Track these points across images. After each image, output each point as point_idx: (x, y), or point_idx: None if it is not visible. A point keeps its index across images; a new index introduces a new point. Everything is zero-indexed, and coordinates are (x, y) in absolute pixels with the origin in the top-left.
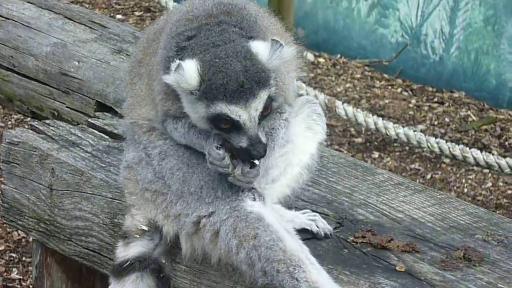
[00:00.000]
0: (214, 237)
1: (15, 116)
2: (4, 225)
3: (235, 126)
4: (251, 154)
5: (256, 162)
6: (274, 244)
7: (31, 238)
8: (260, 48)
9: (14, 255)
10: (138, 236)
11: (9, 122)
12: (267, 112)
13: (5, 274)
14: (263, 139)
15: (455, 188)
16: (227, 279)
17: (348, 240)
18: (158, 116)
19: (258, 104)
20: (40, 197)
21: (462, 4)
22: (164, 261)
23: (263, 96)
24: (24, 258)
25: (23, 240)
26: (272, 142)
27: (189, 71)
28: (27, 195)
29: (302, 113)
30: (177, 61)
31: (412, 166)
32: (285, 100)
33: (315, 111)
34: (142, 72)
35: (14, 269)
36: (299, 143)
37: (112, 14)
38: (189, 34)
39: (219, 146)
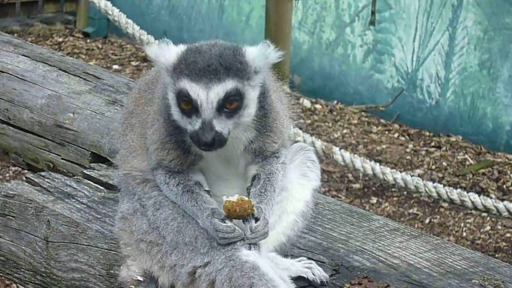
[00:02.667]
0: (210, 287)
1: (12, 168)
2: (2, 277)
3: (194, 108)
4: (199, 138)
5: (257, 214)
6: None
7: None
8: (251, 50)
9: None
10: (133, 287)
11: (7, 174)
12: (234, 107)
13: None
14: (218, 129)
15: (453, 232)
16: None
17: (345, 287)
18: (150, 164)
19: (220, 89)
20: (36, 249)
21: (457, 48)
22: None
23: (228, 84)
24: None
25: None
26: (271, 186)
27: (171, 48)
28: (23, 247)
29: (296, 160)
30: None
31: (411, 211)
32: (283, 143)
33: (309, 158)
34: (134, 122)
35: None
36: (294, 190)
37: (109, 65)
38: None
39: (223, 218)
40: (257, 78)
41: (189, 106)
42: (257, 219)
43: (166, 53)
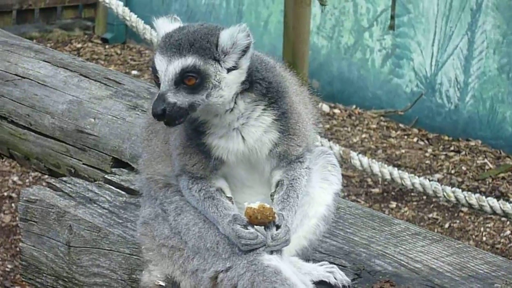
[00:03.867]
0: None
1: (32, 174)
2: (23, 282)
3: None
4: (152, 109)
5: (278, 222)
6: None
7: None
8: (230, 29)
9: None
10: None
11: (27, 180)
12: (191, 83)
13: None
14: (171, 101)
15: (473, 237)
16: None
17: None
18: (174, 171)
19: (177, 64)
20: (58, 254)
21: (476, 52)
22: None
23: (188, 59)
24: None
25: None
26: (295, 192)
27: (171, 24)
28: (45, 252)
29: (316, 164)
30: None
31: (430, 215)
32: (307, 147)
33: (330, 161)
34: (158, 128)
35: None
36: (315, 194)
37: (127, 70)
38: None
39: (245, 225)
40: (228, 60)
41: (157, 79)
42: (278, 227)
43: (165, 27)
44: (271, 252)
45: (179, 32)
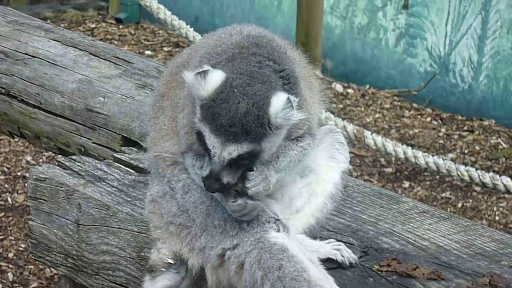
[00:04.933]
0: (239, 269)
1: (46, 154)
2: (37, 262)
3: (209, 153)
4: (205, 184)
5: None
6: (299, 275)
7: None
8: (277, 102)
9: None
10: (164, 269)
11: (40, 160)
12: (246, 163)
13: None
14: (224, 181)
15: (486, 216)
16: None
17: (373, 269)
18: (181, 148)
19: (234, 151)
20: (68, 232)
21: (490, 32)
22: None
23: (244, 147)
24: None
25: (55, 276)
26: (276, 154)
27: (209, 82)
28: (54, 230)
29: (324, 143)
30: (208, 68)
31: (443, 195)
32: (309, 130)
33: (338, 140)
34: (165, 105)
35: None
36: (322, 172)
37: (141, 50)
38: (221, 64)
39: (234, 198)
40: (280, 131)
41: (204, 146)
42: (251, 170)
43: (202, 87)
44: (278, 230)
45: (227, 111)
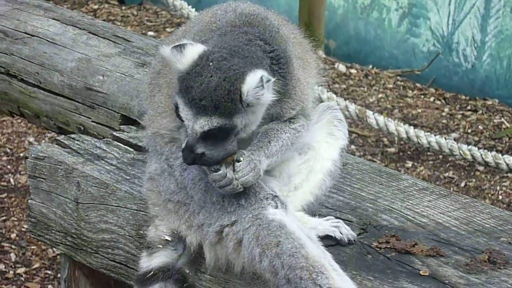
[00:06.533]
0: (237, 246)
1: (48, 135)
2: (39, 242)
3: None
4: (183, 156)
5: (237, 157)
6: (297, 252)
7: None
8: (251, 80)
9: (49, 272)
10: (161, 246)
11: (43, 141)
12: (220, 138)
13: None
14: (199, 151)
15: (489, 195)
16: (251, 287)
17: (372, 245)
18: (176, 123)
19: (205, 125)
20: (67, 211)
21: (493, 11)
22: (188, 271)
23: (214, 122)
24: (59, 275)
25: (57, 257)
26: (267, 137)
27: (185, 56)
28: (53, 209)
29: (323, 120)
30: (186, 42)
31: (446, 174)
32: (302, 110)
33: (336, 117)
34: (162, 83)
35: (49, 286)
36: (321, 149)
37: (144, 31)
38: (211, 40)
39: (216, 169)
40: (253, 109)
41: (181, 119)
42: (238, 161)
43: (179, 60)
44: (276, 206)
45: (199, 84)
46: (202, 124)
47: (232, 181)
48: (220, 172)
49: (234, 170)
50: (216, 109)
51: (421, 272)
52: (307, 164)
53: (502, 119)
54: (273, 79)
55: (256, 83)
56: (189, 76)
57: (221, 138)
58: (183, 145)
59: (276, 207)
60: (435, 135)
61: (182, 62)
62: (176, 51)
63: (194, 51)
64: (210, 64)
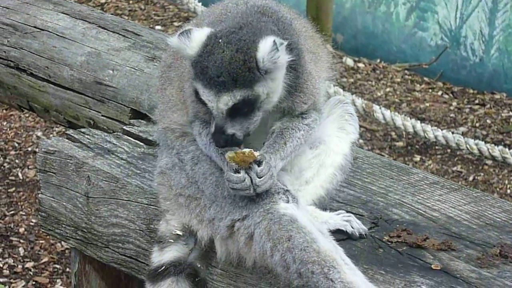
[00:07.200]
0: (249, 240)
1: (56, 129)
2: (48, 236)
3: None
4: (214, 140)
5: (258, 158)
6: (308, 246)
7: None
8: (264, 46)
9: (58, 266)
10: (172, 241)
11: (51, 135)
12: (247, 111)
13: (49, 285)
14: (230, 132)
15: (498, 189)
16: (263, 281)
17: (383, 239)
18: (189, 117)
19: (228, 100)
20: (77, 205)
21: (501, 5)
22: (199, 265)
23: (237, 95)
24: (67, 269)
25: (66, 251)
26: (282, 139)
27: (193, 40)
28: (64, 203)
29: (333, 114)
30: (190, 27)
31: (454, 168)
32: (314, 105)
33: (347, 111)
34: (173, 76)
35: (58, 280)
36: (332, 143)
37: (151, 25)
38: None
39: (236, 170)
40: (272, 74)
41: (205, 105)
42: (260, 163)
43: (187, 46)
44: (287, 201)
45: (214, 62)
46: (225, 101)
47: (249, 188)
48: (239, 175)
49: (251, 169)
50: (235, 82)
51: (432, 266)
52: (318, 158)
53: (510, 113)
54: (285, 42)
55: (270, 48)
56: (201, 58)
57: (247, 113)
58: (212, 129)
59: (288, 202)
60: (442, 129)
61: (191, 47)
62: (184, 37)
63: (201, 33)
64: (220, 40)
